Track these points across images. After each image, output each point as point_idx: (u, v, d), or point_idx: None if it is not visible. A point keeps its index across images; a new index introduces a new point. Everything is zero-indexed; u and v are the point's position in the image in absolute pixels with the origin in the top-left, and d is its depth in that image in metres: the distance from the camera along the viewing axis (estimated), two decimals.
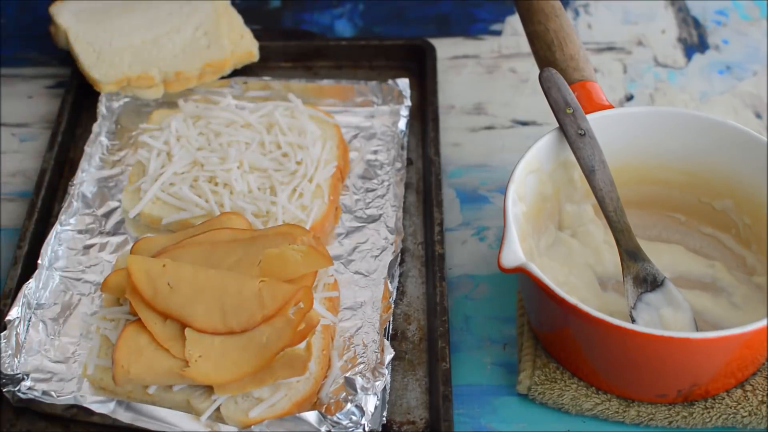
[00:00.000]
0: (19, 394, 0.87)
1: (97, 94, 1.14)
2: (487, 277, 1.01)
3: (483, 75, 1.23)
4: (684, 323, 0.88)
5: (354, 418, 0.85)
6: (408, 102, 1.13)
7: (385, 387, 0.88)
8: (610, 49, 1.26)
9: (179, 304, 0.87)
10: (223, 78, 1.16)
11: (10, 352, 0.89)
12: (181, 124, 1.07)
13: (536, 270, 0.83)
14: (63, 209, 1.02)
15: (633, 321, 0.88)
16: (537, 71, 0.98)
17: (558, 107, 0.94)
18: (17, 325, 0.91)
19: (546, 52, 0.99)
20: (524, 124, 1.17)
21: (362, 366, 0.90)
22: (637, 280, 0.90)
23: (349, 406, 0.85)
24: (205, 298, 0.87)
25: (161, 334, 0.87)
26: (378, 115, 1.14)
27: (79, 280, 0.97)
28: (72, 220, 1.02)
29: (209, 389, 0.86)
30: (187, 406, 0.86)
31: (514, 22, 1.28)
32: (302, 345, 0.88)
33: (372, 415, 0.85)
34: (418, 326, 0.96)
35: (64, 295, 0.96)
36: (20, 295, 0.93)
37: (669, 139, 0.97)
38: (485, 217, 1.07)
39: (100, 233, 1.02)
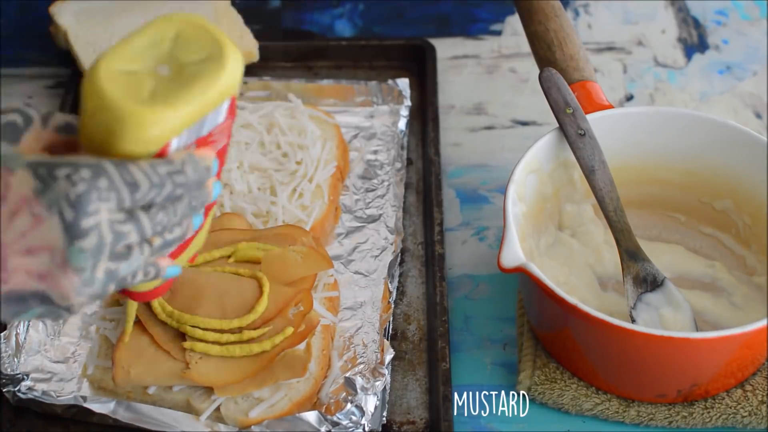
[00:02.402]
0: (19, 394, 0.87)
1: None
2: (487, 277, 1.01)
3: (483, 75, 1.23)
4: (684, 323, 0.88)
5: (354, 418, 0.85)
6: (408, 102, 1.13)
7: (385, 387, 0.88)
8: (610, 49, 1.26)
9: (179, 306, 0.87)
10: None
11: (10, 352, 0.89)
12: None
13: (536, 270, 0.83)
14: None
15: (633, 321, 0.88)
16: (537, 71, 0.98)
17: (558, 107, 0.94)
18: (17, 325, 0.91)
19: (546, 52, 0.99)
20: (524, 124, 1.17)
21: (362, 366, 0.90)
22: (637, 280, 0.90)
23: (349, 406, 0.85)
24: (206, 299, 0.87)
25: (162, 336, 0.87)
26: (378, 115, 1.14)
27: None
28: None
29: (209, 389, 0.86)
30: (187, 406, 0.86)
31: (514, 22, 1.28)
32: (302, 346, 0.88)
33: (372, 415, 0.85)
34: (418, 326, 0.96)
35: None
36: None
37: (669, 139, 0.97)
38: (485, 217, 1.07)
39: None
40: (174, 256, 0.71)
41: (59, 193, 0.61)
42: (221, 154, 0.71)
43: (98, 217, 0.61)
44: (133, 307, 0.86)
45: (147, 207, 0.64)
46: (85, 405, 0.86)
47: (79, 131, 0.66)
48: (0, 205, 0.61)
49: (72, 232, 0.61)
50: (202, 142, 0.68)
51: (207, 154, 0.67)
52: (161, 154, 0.65)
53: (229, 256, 0.91)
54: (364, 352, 0.92)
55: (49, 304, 0.63)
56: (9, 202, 0.61)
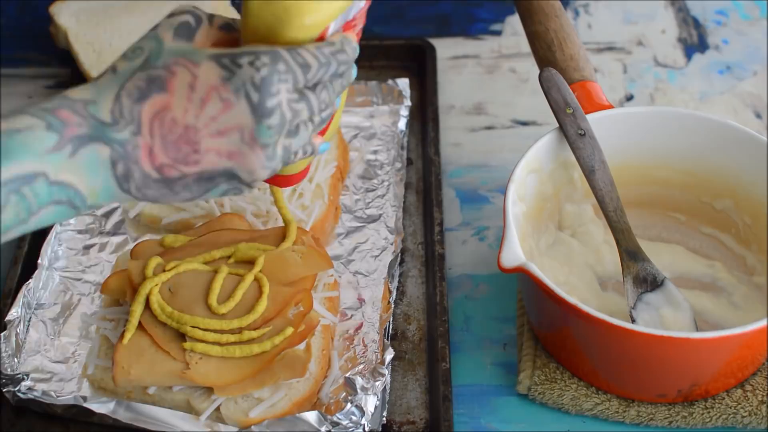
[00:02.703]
0: (19, 394, 0.87)
1: None
2: (487, 277, 1.01)
3: (483, 75, 1.23)
4: (684, 323, 0.88)
5: (354, 418, 0.85)
6: (408, 102, 1.13)
7: (385, 387, 0.88)
8: (610, 49, 1.26)
9: (179, 306, 0.87)
10: None
11: (10, 352, 0.89)
12: None
13: (536, 270, 0.83)
14: None
15: (633, 321, 0.88)
16: (537, 71, 0.98)
17: (558, 107, 0.94)
18: (17, 325, 0.91)
19: (546, 52, 0.99)
20: (524, 124, 1.17)
21: (362, 366, 0.90)
22: (637, 280, 0.90)
23: (349, 406, 0.85)
24: (205, 300, 0.87)
25: (162, 336, 0.87)
26: (378, 114, 1.14)
27: (79, 280, 0.98)
28: (72, 220, 1.02)
29: (209, 389, 0.86)
30: (187, 406, 0.86)
31: (514, 22, 1.28)
32: (302, 346, 0.88)
33: (372, 415, 0.85)
34: (418, 326, 0.96)
35: (64, 295, 0.96)
36: (20, 295, 0.93)
37: (669, 139, 0.97)
38: (485, 217, 1.07)
39: (100, 233, 1.02)
40: (321, 134, 0.77)
41: (245, 78, 0.68)
42: (358, 37, 0.78)
43: (279, 97, 0.69)
44: (137, 306, 0.87)
45: (312, 87, 0.72)
46: (85, 405, 0.86)
47: (242, 29, 0.73)
48: (192, 94, 0.68)
49: (259, 112, 0.69)
50: (347, 26, 0.76)
51: (352, 36, 0.75)
52: (320, 39, 0.73)
53: (229, 257, 0.91)
54: (364, 352, 0.92)
55: (235, 181, 0.71)
56: (198, 90, 0.69)
